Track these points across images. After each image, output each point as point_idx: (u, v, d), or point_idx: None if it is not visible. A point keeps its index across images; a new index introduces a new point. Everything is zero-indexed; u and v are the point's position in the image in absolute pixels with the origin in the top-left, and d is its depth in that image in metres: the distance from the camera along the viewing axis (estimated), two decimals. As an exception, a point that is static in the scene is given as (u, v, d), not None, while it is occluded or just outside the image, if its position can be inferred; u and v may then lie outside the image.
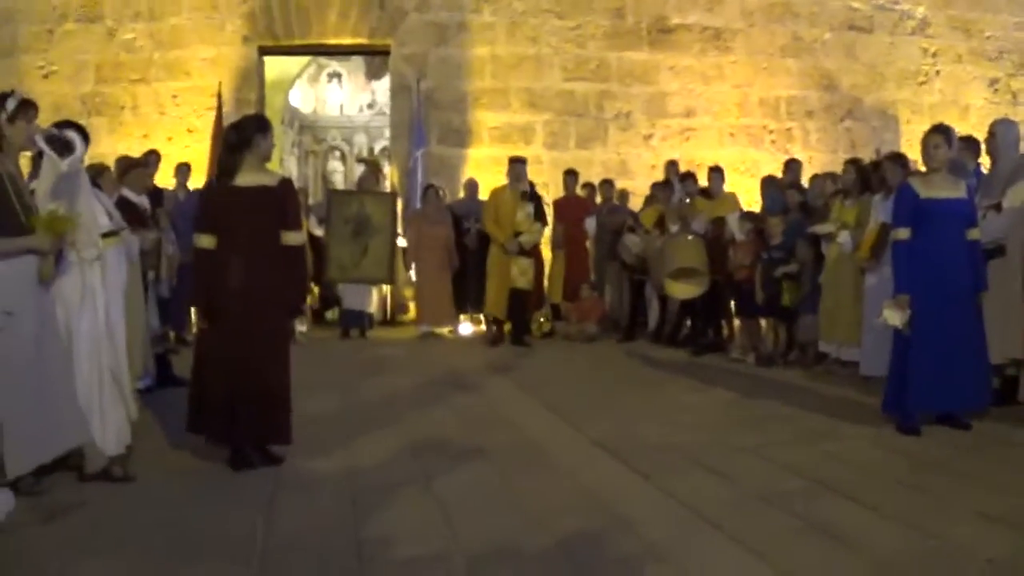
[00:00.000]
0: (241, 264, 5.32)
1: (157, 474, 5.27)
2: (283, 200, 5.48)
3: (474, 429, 6.38)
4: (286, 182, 5.65)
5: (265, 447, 5.50)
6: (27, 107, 4.89)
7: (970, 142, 7.98)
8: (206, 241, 5.41)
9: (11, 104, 4.81)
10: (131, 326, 5.75)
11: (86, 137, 5.42)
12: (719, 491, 4.85)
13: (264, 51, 13.85)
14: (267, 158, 5.58)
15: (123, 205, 6.74)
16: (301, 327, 10.49)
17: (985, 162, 7.73)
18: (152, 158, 9.81)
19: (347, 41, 13.91)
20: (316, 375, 8.14)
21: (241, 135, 5.46)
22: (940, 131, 6.25)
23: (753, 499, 4.68)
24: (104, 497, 4.85)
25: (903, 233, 6.11)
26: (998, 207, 6.76)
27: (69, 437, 4.89)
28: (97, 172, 6.33)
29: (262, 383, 5.36)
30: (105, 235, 5.35)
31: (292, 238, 5.49)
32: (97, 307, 5.16)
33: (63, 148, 5.14)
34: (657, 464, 5.35)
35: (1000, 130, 7.09)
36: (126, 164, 7.99)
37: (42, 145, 5.01)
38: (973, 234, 6.21)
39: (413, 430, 6.33)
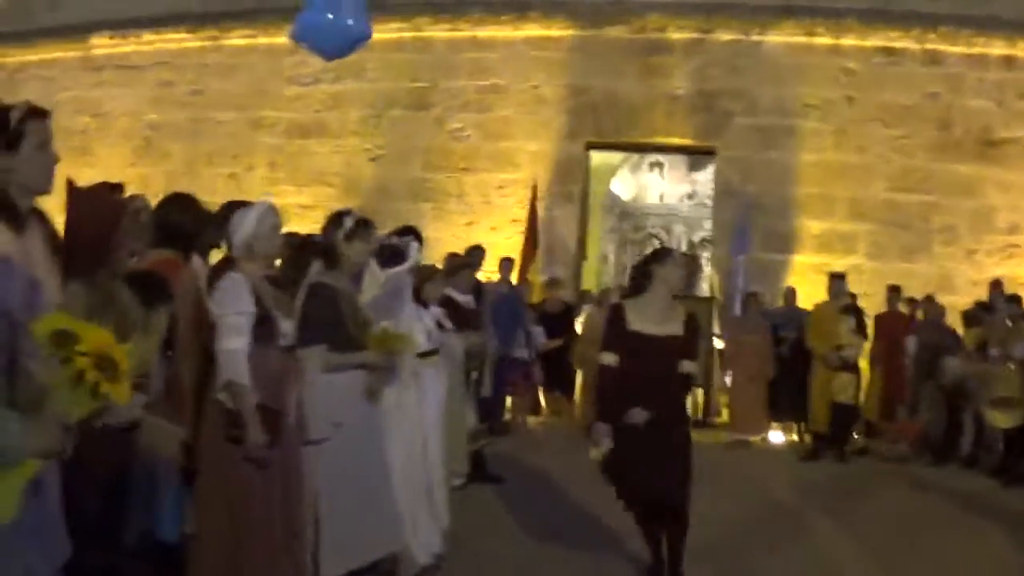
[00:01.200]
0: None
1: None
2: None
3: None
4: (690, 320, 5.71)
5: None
6: (365, 226, 4.96)
7: None
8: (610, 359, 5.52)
9: (349, 222, 4.88)
10: (451, 428, 5.92)
11: (421, 242, 5.60)
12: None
13: (590, 146, 14.43)
14: (674, 288, 5.66)
15: (449, 304, 6.86)
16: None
17: None
18: (477, 257, 9.90)
19: (672, 141, 14.39)
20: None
21: (641, 270, 5.66)
22: None
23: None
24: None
25: None
26: None
27: (385, 543, 5.04)
28: (425, 277, 6.16)
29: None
30: (423, 354, 5.45)
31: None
32: (411, 422, 5.32)
33: (392, 257, 5.35)
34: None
35: None
36: (453, 264, 8.25)
37: (366, 258, 5.13)
38: None
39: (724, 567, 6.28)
